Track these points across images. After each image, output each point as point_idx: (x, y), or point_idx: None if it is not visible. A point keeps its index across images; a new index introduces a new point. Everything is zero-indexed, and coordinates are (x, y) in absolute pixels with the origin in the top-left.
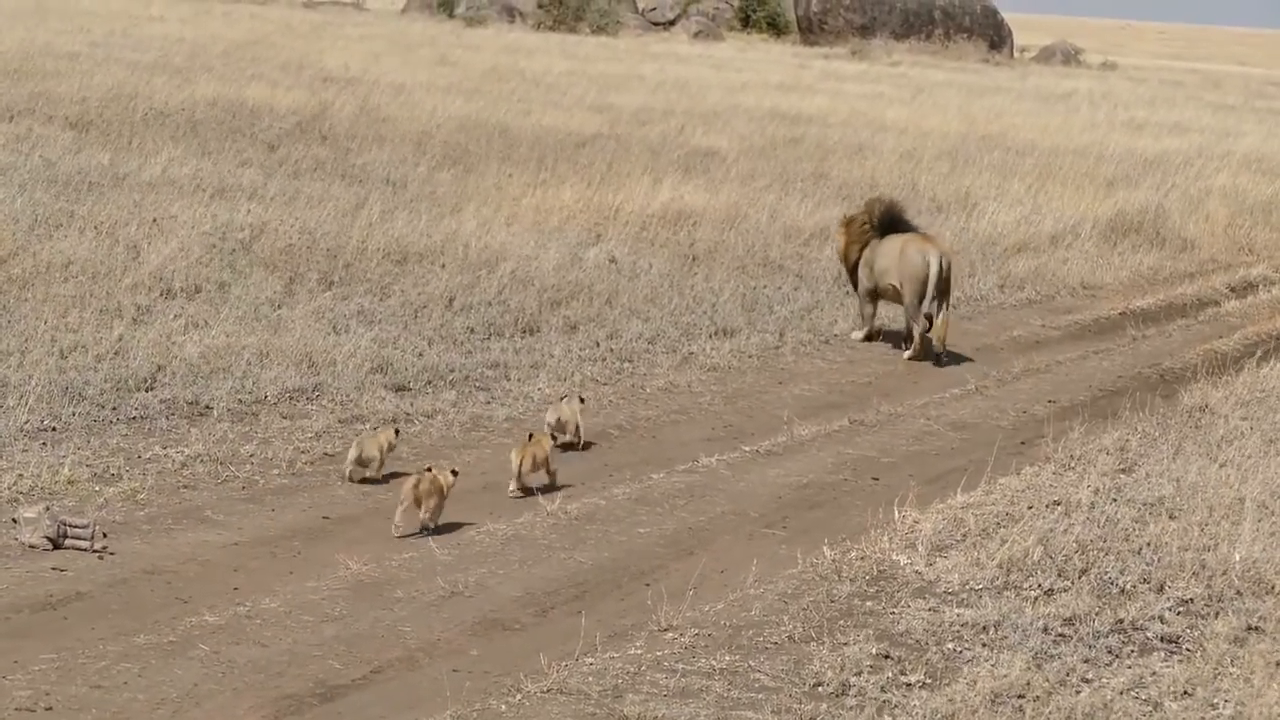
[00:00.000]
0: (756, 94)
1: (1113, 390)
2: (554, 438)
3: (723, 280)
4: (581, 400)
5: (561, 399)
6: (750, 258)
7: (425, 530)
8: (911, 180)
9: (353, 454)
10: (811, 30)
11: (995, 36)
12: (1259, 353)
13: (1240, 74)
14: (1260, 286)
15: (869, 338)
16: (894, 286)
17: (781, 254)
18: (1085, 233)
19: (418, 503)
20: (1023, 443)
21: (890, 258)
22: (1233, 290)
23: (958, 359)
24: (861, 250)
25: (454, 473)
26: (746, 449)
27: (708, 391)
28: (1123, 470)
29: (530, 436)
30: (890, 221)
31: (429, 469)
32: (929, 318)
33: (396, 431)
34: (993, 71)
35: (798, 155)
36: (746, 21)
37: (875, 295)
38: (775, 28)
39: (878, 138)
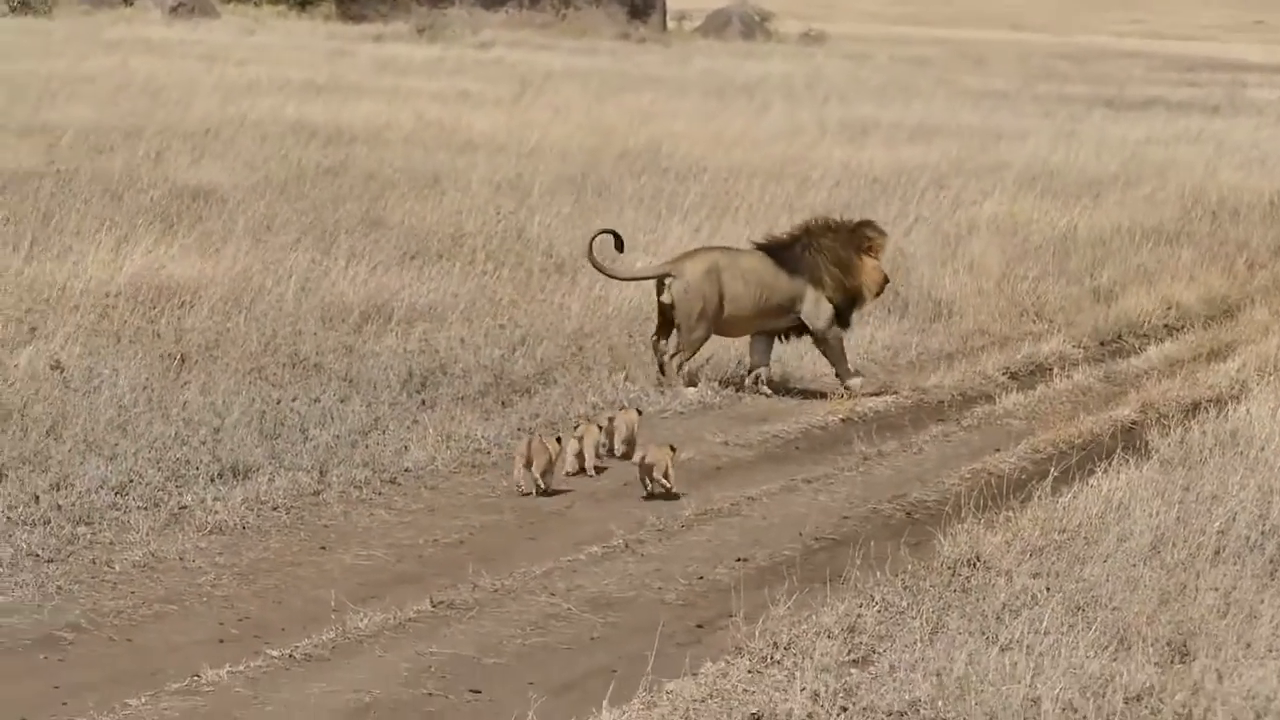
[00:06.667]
0: (273, 98)
1: (834, 539)
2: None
3: (230, 391)
4: (639, 412)
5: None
6: (271, 355)
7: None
8: (517, 227)
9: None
10: None
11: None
12: (1054, 473)
13: (1014, 43)
14: (1055, 371)
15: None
16: None
17: (319, 347)
18: None
19: (529, 464)
20: (700, 625)
21: None
22: (1013, 377)
23: (596, 502)
24: None
25: (558, 440)
26: (274, 653)
27: (211, 566)
28: (855, 662)
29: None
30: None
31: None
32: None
33: (639, 411)
34: (637, 52)
35: (339, 193)
36: None
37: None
38: None
39: (462, 161)
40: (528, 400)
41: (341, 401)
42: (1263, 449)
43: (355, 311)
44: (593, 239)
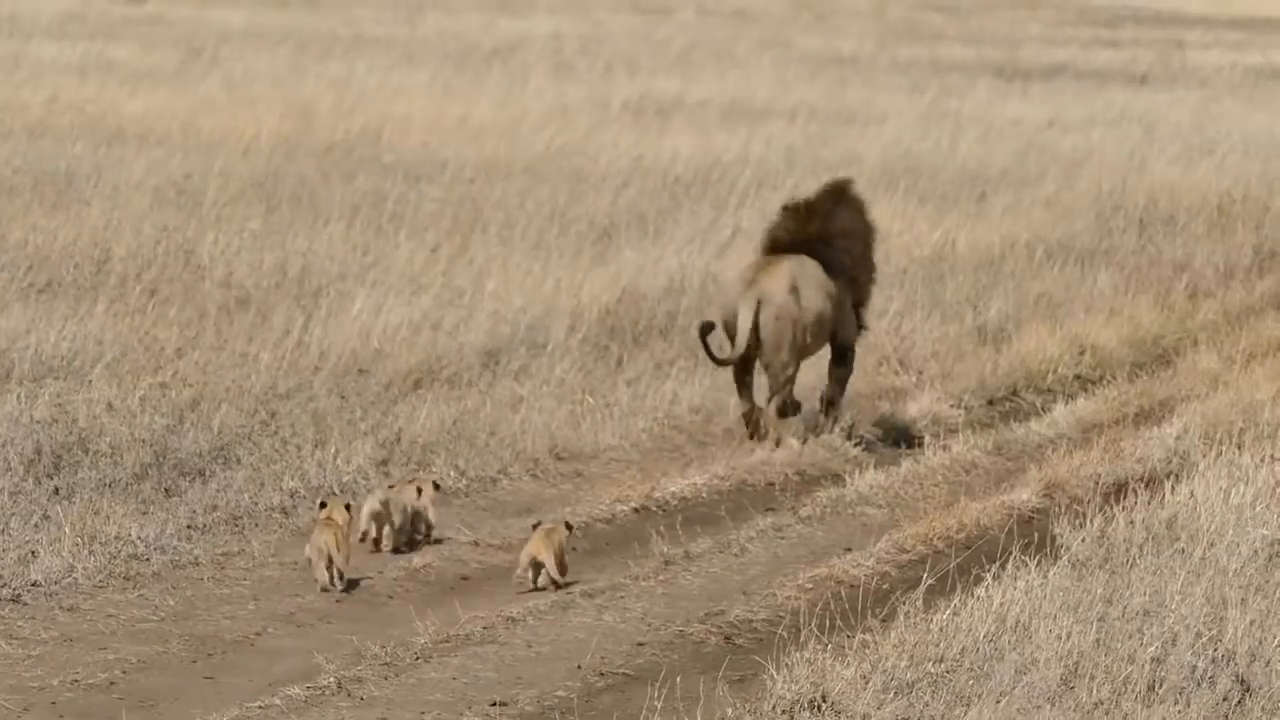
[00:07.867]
0: None
1: (626, 673)
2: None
3: None
4: (437, 486)
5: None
6: None
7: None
8: (185, 249)
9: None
10: None
11: None
12: (927, 580)
13: None
14: (926, 439)
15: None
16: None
17: None
18: (558, 342)
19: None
20: None
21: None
22: (869, 449)
23: (297, 626)
24: None
25: (347, 507)
26: None
27: None
28: None
29: (536, 525)
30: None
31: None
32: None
33: (436, 485)
34: (349, 4)
35: None
36: None
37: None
38: None
39: (109, 157)
40: (201, 486)
41: None
42: (1211, 545)
43: None
44: (703, 335)
